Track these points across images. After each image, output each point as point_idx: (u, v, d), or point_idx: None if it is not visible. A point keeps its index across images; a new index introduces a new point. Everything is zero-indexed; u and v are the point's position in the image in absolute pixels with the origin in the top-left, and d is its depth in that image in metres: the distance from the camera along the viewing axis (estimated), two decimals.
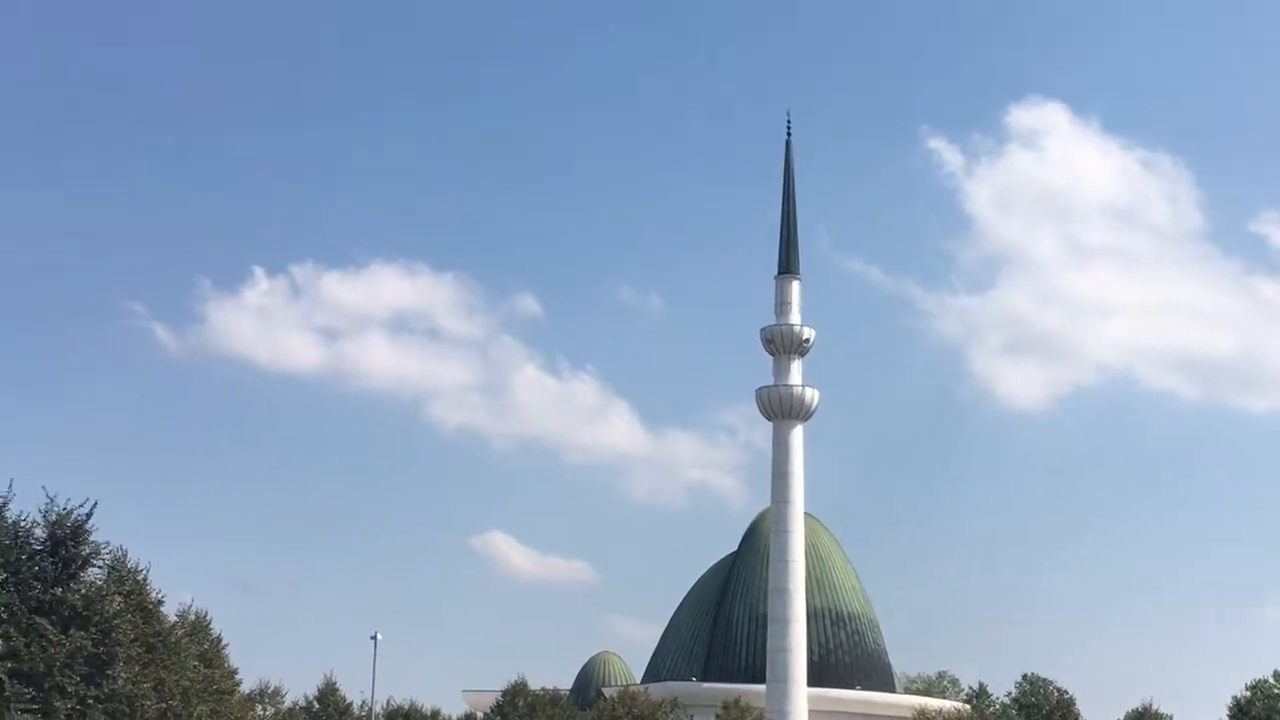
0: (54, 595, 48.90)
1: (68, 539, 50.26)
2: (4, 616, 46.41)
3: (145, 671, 50.41)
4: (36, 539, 50.25)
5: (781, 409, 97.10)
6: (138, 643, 50.67)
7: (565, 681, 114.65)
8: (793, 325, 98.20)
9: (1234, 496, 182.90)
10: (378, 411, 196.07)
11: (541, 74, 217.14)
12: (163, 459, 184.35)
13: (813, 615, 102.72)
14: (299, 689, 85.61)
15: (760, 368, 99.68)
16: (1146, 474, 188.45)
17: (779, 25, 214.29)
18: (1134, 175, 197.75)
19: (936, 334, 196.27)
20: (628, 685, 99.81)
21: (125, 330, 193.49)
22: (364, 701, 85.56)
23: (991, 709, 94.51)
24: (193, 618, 66.40)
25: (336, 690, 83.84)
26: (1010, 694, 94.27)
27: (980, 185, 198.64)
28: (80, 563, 50.57)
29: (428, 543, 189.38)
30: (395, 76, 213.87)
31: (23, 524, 49.95)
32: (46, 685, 46.74)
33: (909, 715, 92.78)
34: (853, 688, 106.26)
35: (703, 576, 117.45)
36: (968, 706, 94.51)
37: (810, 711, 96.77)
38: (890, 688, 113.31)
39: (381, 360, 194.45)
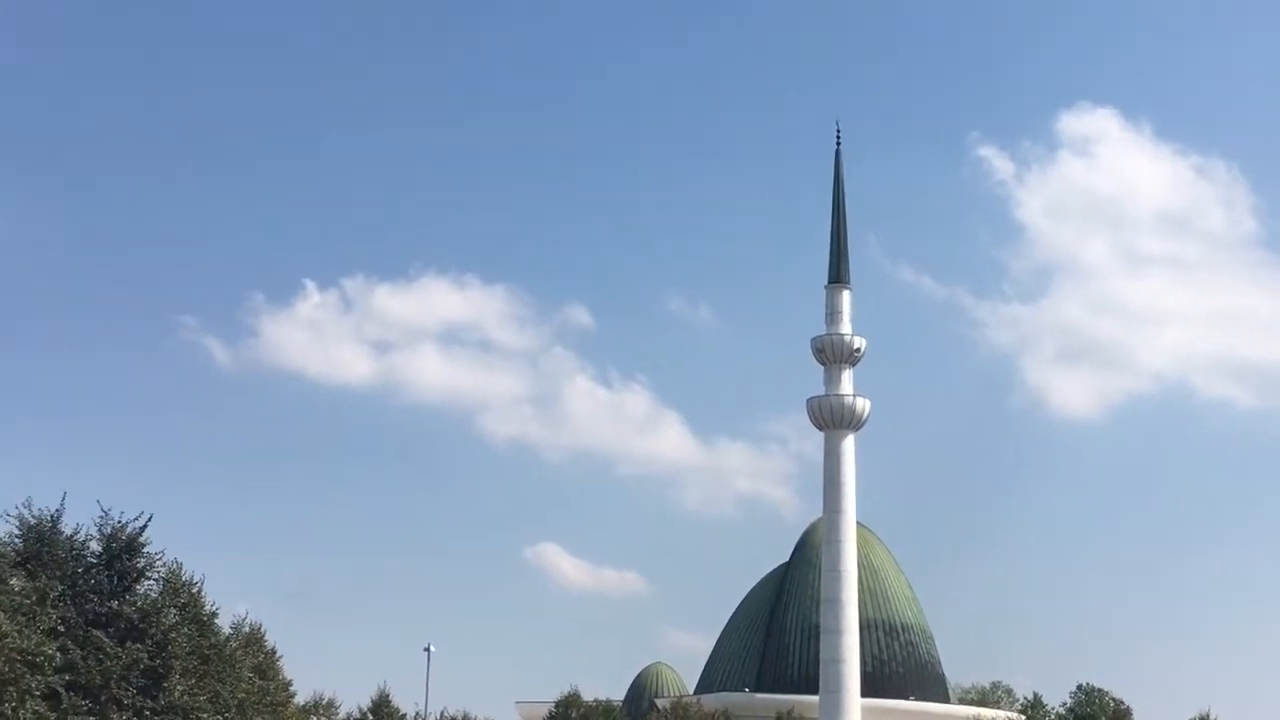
0: (110, 608, 49.24)
1: (123, 552, 50.65)
2: (61, 629, 46.68)
3: (201, 684, 50.64)
4: (92, 552, 50.67)
5: (833, 419, 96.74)
6: (193, 655, 50.92)
7: (618, 693, 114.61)
8: (843, 335, 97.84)
9: None
10: (429, 424, 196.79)
11: (590, 84, 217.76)
12: (216, 472, 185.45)
13: (866, 626, 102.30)
14: (353, 701, 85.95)
15: (811, 377, 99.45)
16: (1202, 483, 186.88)
17: (828, 34, 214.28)
18: (1187, 181, 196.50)
19: (988, 343, 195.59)
20: (680, 696, 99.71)
21: (178, 344, 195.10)
22: (418, 713, 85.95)
23: (1046, 719, 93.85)
24: (247, 630, 66.73)
25: (390, 702, 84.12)
26: (1065, 704, 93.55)
27: (1031, 193, 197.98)
28: (136, 575, 50.95)
29: (480, 554, 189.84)
30: (445, 88, 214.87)
31: (78, 538, 50.37)
32: (103, 698, 47.02)
33: None
34: (906, 698, 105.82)
35: (755, 587, 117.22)
36: (1022, 717, 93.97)
37: None
38: (944, 698, 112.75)
39: (433, 372, 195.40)
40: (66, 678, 45.66)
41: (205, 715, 49.80)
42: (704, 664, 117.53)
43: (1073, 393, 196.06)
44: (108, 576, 50.25)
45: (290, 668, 70.44)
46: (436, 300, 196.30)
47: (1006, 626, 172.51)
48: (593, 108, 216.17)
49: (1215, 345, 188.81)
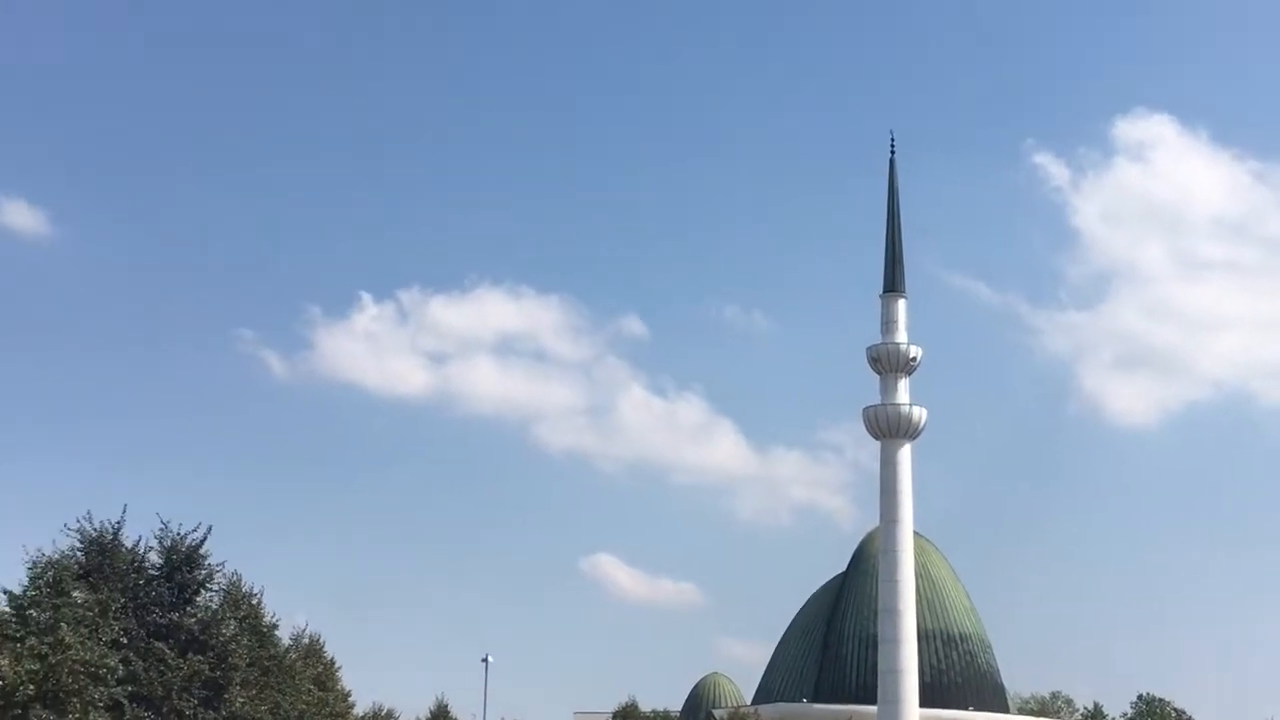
0: (171, 620, 49.66)
1: (183, 564, 51.08)
2: (123, 641, 47.11)
3: (261, 695, 51.01)
4: (153, 564, 51.09)
5: (889, 428, 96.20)
6: (253, 666, 51.28)
7: (675, 703, 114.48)
8: (899, 344, 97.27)
9: None
10: (485, 434, 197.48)
11: (642, 96, 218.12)
12: (274, 483, 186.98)
13: (924, 636, 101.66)
14: (411, 711, 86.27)
15: (866, 385, 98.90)
16: (1262, 489, 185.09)
17: (882, 42, 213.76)
18: (1245, 186, 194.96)
19: (1045, 350, 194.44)
20: (738, 706, 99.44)
21: (235, 357, 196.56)
22: None
23: None
24: (306, 641, 67.05)
25: (449, 712, 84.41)
26: (1126, 714, 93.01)
27: (1087, 199, 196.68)
28: (196, 587, 51.36)
29: (536, 564, 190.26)
30: (498, 101, 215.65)
31: (139, 550, 50.78)
32: (165, 709, 47.44)
33: None
34: (965, 709, 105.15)
35: (811, 597, 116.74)
36: None
37: None
38: (1004, 708, 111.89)
39: (488, 383, 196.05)
40: (129, 689, 46.10)
41: None
42: (761, 674, 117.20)
43: (1130, 400, 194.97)
44: (168, 588, 50.72)
45: (349, 678, 70.83)
46: (491, 311, 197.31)
47: (1066, 635, 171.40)
48: (643, 120, 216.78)
49: (1275, 351, 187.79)
